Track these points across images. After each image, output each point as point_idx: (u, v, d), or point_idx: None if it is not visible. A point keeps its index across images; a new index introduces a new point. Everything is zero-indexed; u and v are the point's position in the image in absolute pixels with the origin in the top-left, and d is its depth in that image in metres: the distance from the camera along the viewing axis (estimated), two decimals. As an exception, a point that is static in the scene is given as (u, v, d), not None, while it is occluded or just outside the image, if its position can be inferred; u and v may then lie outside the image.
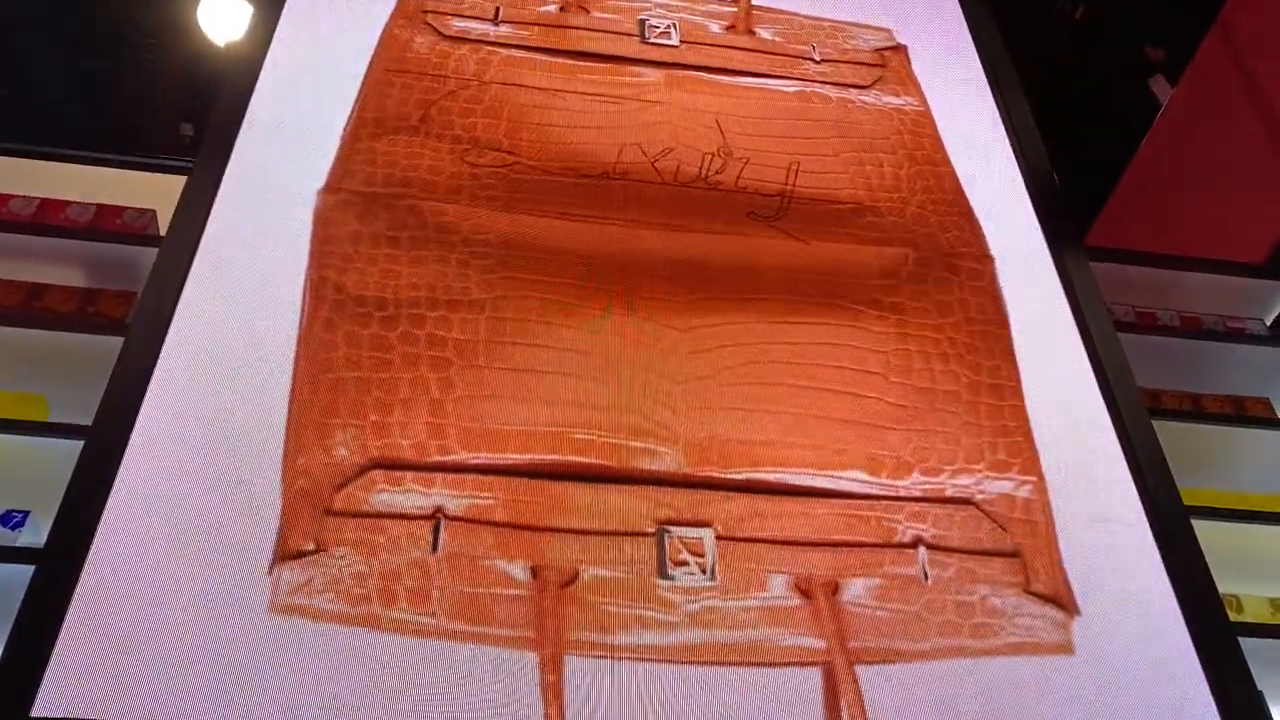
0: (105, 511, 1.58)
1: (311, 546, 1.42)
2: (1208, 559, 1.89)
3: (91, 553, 1.53)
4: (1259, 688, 1.77)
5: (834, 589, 1.49)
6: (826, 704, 1.40)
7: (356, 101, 2.14)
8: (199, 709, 1.38)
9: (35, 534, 2.02)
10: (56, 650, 1.43)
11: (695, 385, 1.75)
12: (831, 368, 1.83)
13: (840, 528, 1.58)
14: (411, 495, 1.50)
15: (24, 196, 2.48)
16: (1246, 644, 1.81)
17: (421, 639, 1.35)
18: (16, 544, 1.98)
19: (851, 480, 1.68)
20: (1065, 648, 1.55)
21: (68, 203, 2.48)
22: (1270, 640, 2.06)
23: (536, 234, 1.91)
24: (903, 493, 1.68)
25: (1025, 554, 1.63)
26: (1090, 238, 3.54)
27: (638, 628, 1.40)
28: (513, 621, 1.37)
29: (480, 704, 1.33)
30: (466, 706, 1.33)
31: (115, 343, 1.86)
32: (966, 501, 1.68)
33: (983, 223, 2.28)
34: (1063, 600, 1.61)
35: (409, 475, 1.52)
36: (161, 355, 1.79)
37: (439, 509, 1.47)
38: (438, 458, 1.54)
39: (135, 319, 1.87)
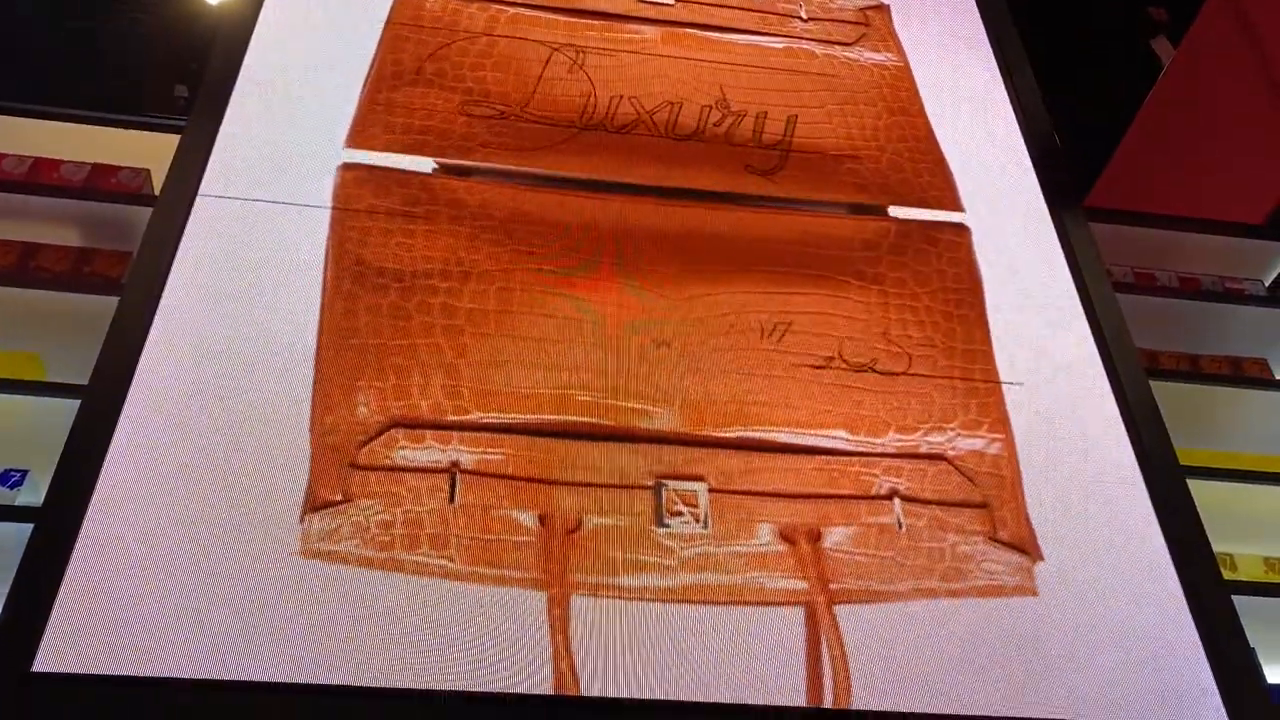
0: (103, 469, 1.58)
1: (339, 497, 1.52)
2: (1203, 518, 1.90)
3: (90, 510, 1.54)
4: (1252, 645, 1.79)
5: (816, 537, 1.60)
6: (808, 639, 1.51)
7: (375, 57, 2.20)
8: (219, 654, 1.42)
9: (34, 493, 2.02)
10: (57, 607, 1.44)
11: (690, 351, 1.84)
12: (816, 335, 1.92)
13: (823, 482, 1.69)
14: (430, 451, 1.61)
15: (17, 155, 2.46)
16: (1240, 602, 1.82)
17: (440, 580, 1.46)
18: (15, 503, 1.98)
19: (833, 438, 1.78)
20: (1027, 590, 1.64)
21: (62, 162, 2.46)
22: (1264, 599, 2.07)
23: (541, 209, 1.99)
24: (880, 449, 1.78)
25: (992, 505, 1.73)
26: (1090, 198, 3.53)
27: (637, 570, 1.52)
28: (523, 565, 1.48)
29: (494, 639, 1.43)
30: (481, 641, 1.43)
31: (110, 302, 1.86)
32: (939, 457, 1.78)
33: (983, 183, 2.29)
34: (1026, 547, 1.69)
35: (428, 433, 1.62)
36: (158, 314, 1.79)
37: (455, 463, 1.58)
38: (453, 417, 1.65)
39: (131, 278, 1.86)
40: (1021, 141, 2.42)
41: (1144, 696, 1.64)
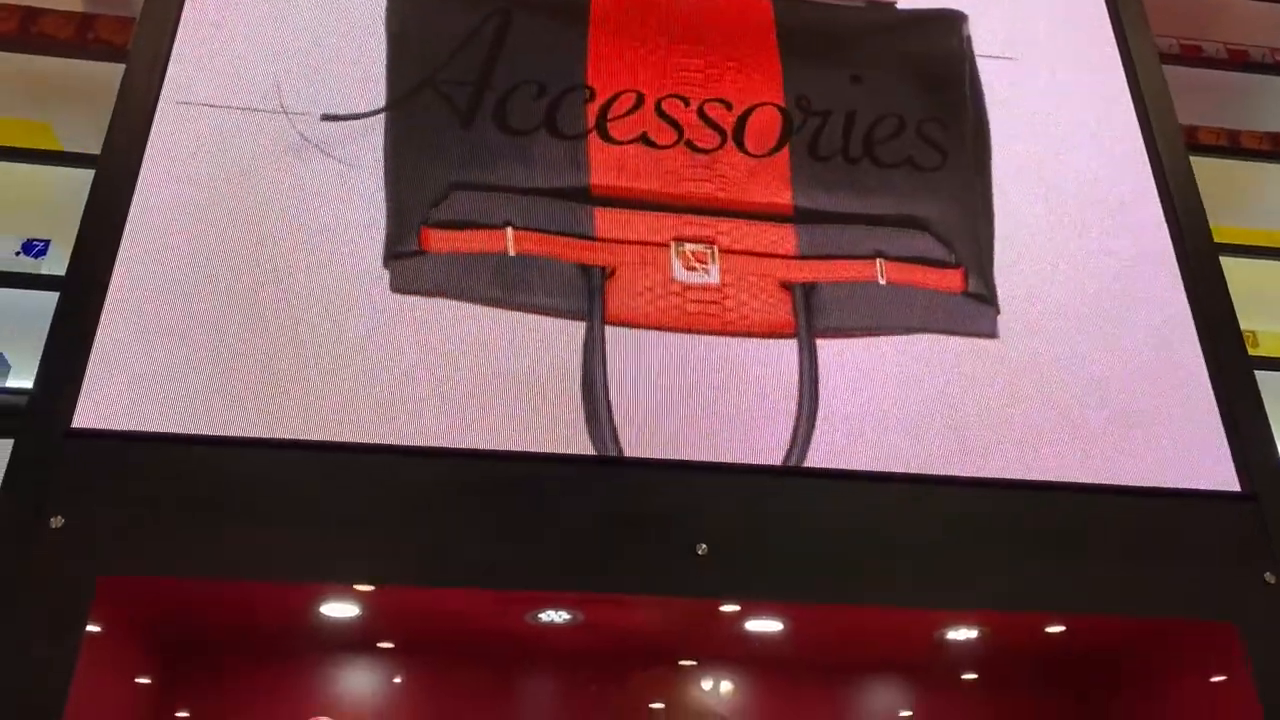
0: (124, 236, 1.58)
1: (415, 248, 1.65)
2: (1231, 294, 1.88)
3: (114, 276, 1.54)
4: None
5: (809, 287, 1.74)
6: (801, 364, 1.67)
7: None
8: (241, 411, 1.47)
9: (57, 262, 2.03)
10: (90, 368, 1.46)
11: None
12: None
13: (817, 243, 1.81)
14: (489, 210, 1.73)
15: (8, -87, 2.33)
16: (1261, 377, 1.83)
17: (502, 310, 1.63)
18: (40, 272, 2.00)
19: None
20: (990, 334, 1.76)
21: (55, -79, 2.34)
22: (1281, 374, 2.08)
23: None
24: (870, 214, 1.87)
25: (967, 264, 1.82)
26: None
27: (660, 307, 1.69)
28: (568, 300, 1.66)
29: (544, 358, 1.60)
30: (534, 360, 1.59)
31: (117, 69, 1.80)
32: (923, 227, 1.85)
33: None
34: (993, 299, 1.80)
35: (486, 195, 1.73)
36: (166, 79, 1.74)
37: (509, 221, 1.71)
38: (508, 182, 1.75)
39: (136, 44, 1.79)
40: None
41: (1166, 456, 1.69)
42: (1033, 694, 1.92)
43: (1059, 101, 2.05)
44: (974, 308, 1.78)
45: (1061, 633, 1.72)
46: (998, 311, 1.78)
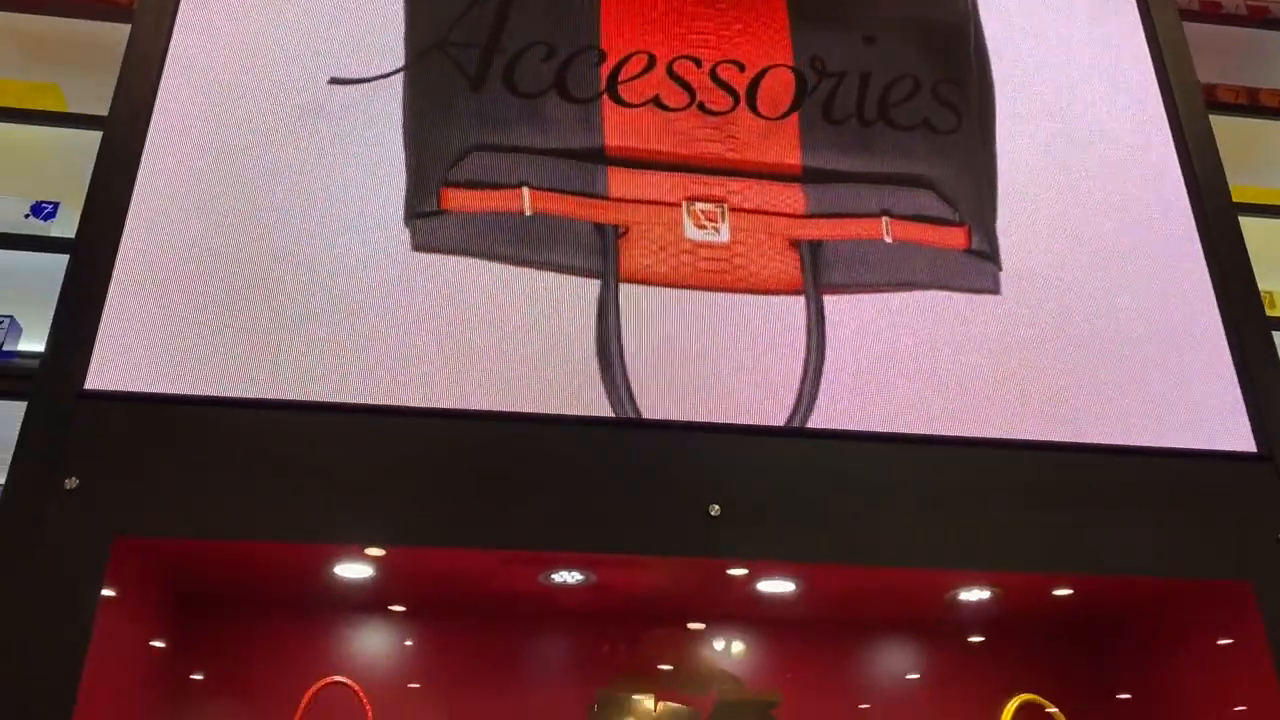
0: (133, 198, 1.57)
1: (435, 207, 1.66)
2: (1250, 255, 1.87)
3: (124, 238, 1.54)
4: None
5: (815, 245, 1.75)
6: (807, 317, 1.69)
7: None
8: (249, 372, 1.47)
9: (66, 224, 2.02)
10: (101, 330, 1.46)
11: None
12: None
13: (825, 201, 1.82)
14: (506, 171, 1.74)
15: None
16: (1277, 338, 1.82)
17: (518, 268, 1.64)
18: (50, 234, 1.99)
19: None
20: (993, 290, 1.77)
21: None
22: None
23: None
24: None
25: (970, 223, 1.82)
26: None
27: (671, 265, 1.70)
28: (583, 259, 1.67)
29: (559, 316, 1.62)
30: (549, 317, 1.61)
31: (125, 30, 1.78)
32: (928, 186, 1.85)
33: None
34: (995, 256, 1.80)
35: (503, 156, 1.74)
36: (173, 39, 1.73)
37: (525, 181, 1.71)
38: (524, 143, 1.76)
39: (141, 3, 1.78)
40: None
41: (1180, 417, 1.69)
42: (1045, 655, 1.92)
43: (1075, 58, 2.02)
44: (977, 264, 1.79)
45: (1074, 593, 1.72)
46: (999, 268, 1.78)
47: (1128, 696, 1.86)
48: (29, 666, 1.24)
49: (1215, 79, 2.54)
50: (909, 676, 1.89)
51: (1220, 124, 2.07)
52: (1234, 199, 1.92)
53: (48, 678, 1.24)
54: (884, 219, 1.79)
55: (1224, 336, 1.77)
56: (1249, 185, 2.30)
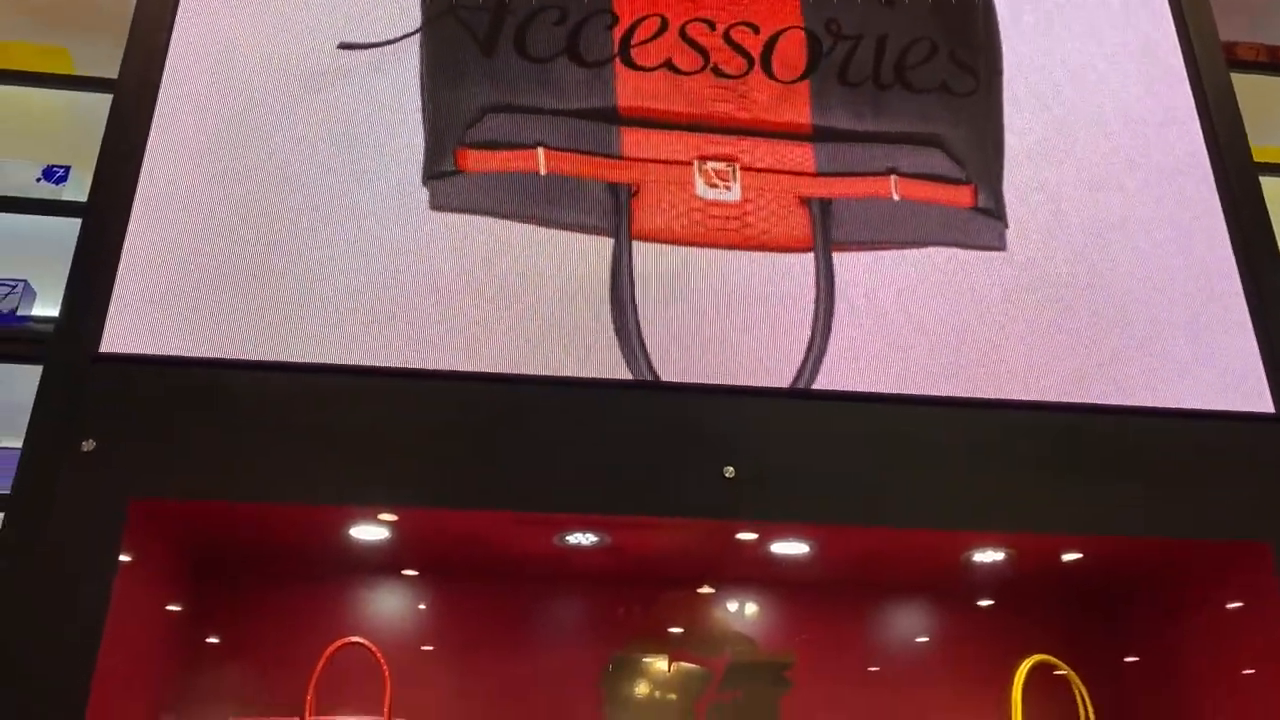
0: (144, 162, 1.56)
1: (452, 168, 1.67)
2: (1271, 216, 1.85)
3: (136, 202, 1.53)
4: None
5: (826, 202, 1.76)
6: (816, 273, 1.70)
7: None
8: (268, 334, 1.47)
9: (78, 188, 2.02)
10: (116, 292, 1.46)
11: None
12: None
13: (835, 160, 1.82)
14: (521, 131, 1.74)
15: None
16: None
17: (533, 226, 1.66)
18: (62, 198, 1.99)
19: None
20: (999, 248, 1.78)
21: None
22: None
23: None
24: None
25: (977, 182, 1.82)
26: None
27: (683, 224, 1.71)
28: (596, 218, 1.69)
29: (574, 276, 1.62)
30: (564, 277, 1.62)
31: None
32: (938, 145, 1.84)
33: None
34: (1001, 215, 1.80)
35: (518, 117, 1.74)
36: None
37: (540, 141, 1.72)
38: (538, 105, 1.76)
39: (150, -38, 1.76)
40: None
41: (1199, 377, 1.68)
42: (1059, 617, 1.92)
43: (1095, 14, 1.99)
44: (985, 222, 1.78)
45: (1089, 555, 1.72)
46: (1006, 226, 1.78)
47: (1136, 659, 1.86)
48: (50, 631, 1.25)
49: (1236, 37, 2.51)
50: (922, 639, 1.89)
51: (1240, 82, 2.05)
52: (1254, 159, 1.90)
53: (68, 642, 1.25)
54: (892, 177, 1.79)
55: (1243, 297, 1.76)
56: (1270, 145, 2.27)
